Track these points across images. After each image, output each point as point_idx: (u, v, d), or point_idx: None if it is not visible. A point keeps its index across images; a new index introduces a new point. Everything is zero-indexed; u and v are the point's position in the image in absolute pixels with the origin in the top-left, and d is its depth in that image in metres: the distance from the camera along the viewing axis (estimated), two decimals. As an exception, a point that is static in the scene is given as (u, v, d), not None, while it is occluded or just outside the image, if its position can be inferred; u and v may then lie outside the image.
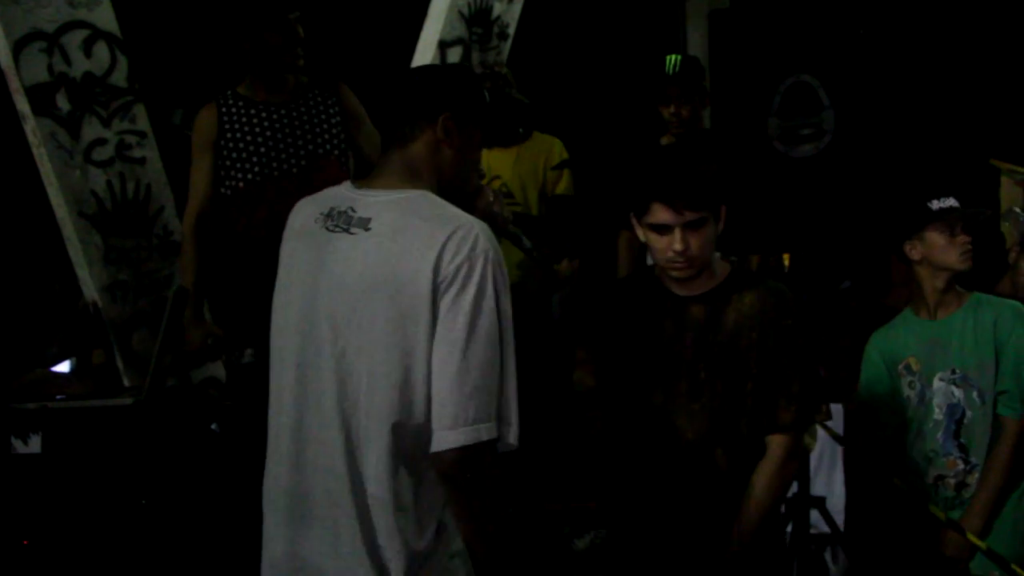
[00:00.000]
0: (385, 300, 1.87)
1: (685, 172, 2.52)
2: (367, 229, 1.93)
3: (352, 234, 1.95)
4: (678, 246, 2.49)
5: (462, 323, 1.84)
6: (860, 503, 3.86)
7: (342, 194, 2.04)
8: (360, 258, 1.92)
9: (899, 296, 3.58)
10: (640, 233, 2.60)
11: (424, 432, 1.89)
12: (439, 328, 1.85)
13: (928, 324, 3.24)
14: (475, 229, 1.89)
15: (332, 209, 2.01)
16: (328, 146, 3.67)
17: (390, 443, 1.88)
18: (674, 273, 2.58)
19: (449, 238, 1.86)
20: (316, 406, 1.95)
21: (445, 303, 1.85)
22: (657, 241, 2.54)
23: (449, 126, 2.00)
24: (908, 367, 3.27)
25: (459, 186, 2.07)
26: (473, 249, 1.86)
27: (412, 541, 1.91)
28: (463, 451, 1.85)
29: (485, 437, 1.85)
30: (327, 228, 1.99)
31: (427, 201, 1.95)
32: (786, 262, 3.92)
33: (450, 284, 1.84)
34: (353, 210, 1.97)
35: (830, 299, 4.24)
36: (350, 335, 1.91)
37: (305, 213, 2.08)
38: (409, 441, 1.90)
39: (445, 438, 1.85)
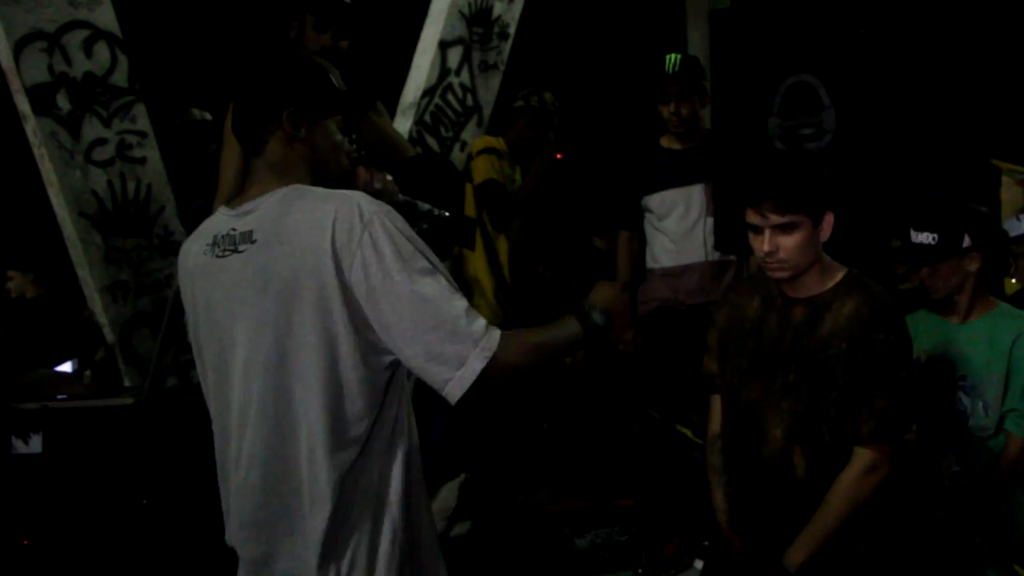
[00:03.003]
0: (293, 301, 1.86)
1: (771, 177, 2.56)
2: (252, 241, 1.92)
3: (241, 252, 1.94)
4: (766, 247, 2.56)
5: (399, 287, 1.82)
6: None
7: (220, 220, 2.03)
8: (255, 271, 1.91)
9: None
10: (749, 236, 2.64)
11: (359, 418, 1.89)
12: (380, 303, 1.83)
13: (947, 325, 3.22)
14: (353, 199, 1.87)
15: (215, 237, 2.00)
16: (355, 145, 3.68)
17: (331, 439, 1.88)
18: (769, 273, 2.64)
19: (335, 220, 1.84)
20: (270, 428, 1.93)
21: (362, 283, 1.83)
22: (753, 240, 2.61)
23: (295, 120, 2.01)
24: (916, 360, 3.25)
25: (327, 173, 2.05)
26: (362, 217, 1.84)
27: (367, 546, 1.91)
28: (481, 379, 1.83)
29: (490, 352, 1.83)
30: (216, 256, 1.98)
31: (298, 193, 1.94)
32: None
33: (361, 264, 1.83)
34: (234, 229, 1.96)
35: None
36: (274, 348, 1.90)
37: (193, 252, 2.06)
38: (349, 432, 1.90)
39: (463, 378, 1.83)
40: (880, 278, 4.23)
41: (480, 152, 4.62)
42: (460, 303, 1.85)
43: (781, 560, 2.60)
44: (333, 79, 2.12)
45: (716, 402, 2.88)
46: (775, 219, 2.53)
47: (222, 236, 1.98)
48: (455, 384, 1.84)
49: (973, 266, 3.09)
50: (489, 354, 1.83)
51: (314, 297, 1.85)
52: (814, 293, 2.65)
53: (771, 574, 2.62)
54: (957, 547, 3.14)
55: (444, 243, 2.79)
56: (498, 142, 4.67)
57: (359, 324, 1.86)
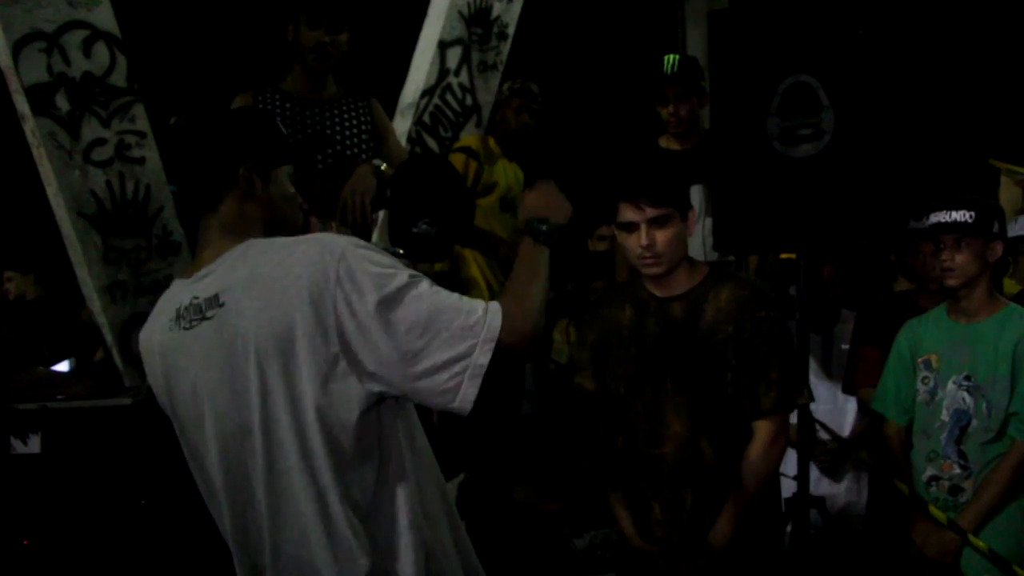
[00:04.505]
0: (277, 358, 1.77)
1: (643, 171, 2.70)
2: (220, 305, 1.83)
3: (210, 318, 1.84)
4: (644, 241, 2.66)
5: (389, 313, 1.74)
6: (876, 501, 3.86)
7: (177, 293, 1.94)
8: (232, 333, 1.81)
9: (930, 299, 3.56)
10: (618, 237, 2.76)
11: (363, 463, 1.81)
12: (374, 337, 1.74)
13: (956, 325, 3.22)
14: (317, 239, 1.81)
15: (178, 310, 1.90)
16: (355, 150, 3.70)
17: (337, 488, 1.80)
18: (645, 271, 2.74)
19: (307, 264, 1.76)
20: (261, 497, 1.86)
21: (349, 319, 1.74)
22: (627, 240, 2.71)
23: (251, 177, 1.93)
24: (928, 363, 3.26)
25: (283, 226, 1.97)
26: (332, 253, 1.76)
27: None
28: (500, 343, 1.77)
29: (483, 360, 1.77)
30: (184, 329, 1.88)
31: (259, 247, 1.86)
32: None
33: (342, 296, 1.74)
34: (196, 297, 1.87)
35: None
36: (260, 411, 1.80)
37: (155, 333, 1.96)
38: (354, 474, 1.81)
39: (467, 396, 1.78)
40: (878, 283, 4.24)
41: (454, 150, 4.70)
42: (449, 299, 1.79)
43: (707, 545, 2.72)
44: (280, 127, 2.05)
45: (593, 420, 2.94)
46: (652, 212, 2.65)
47: (185, 307, 1.89)
48: (466, 389, 1.77)
49: (994, 256, 3.13)
50: (492, 345, 1.77)
51: (301, 350, 1.76)
52: (687, 288, 2.78)
53: (703, 562, 2.72)
54: (957, 547, 3.15)
55: (430, 255, 2.84)
56: (476, 142, 4.70)
57: (356, 364, 1.77)
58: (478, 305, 1.80)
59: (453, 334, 1.76)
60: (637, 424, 2.80)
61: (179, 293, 1.93)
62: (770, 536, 2.92)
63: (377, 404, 1.82)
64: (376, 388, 1.79)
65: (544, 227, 1.99)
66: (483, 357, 1.77)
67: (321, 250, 1.77)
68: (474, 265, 4.62)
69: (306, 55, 3.61)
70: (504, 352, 1.78)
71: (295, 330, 1.76)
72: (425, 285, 1.79)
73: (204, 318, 1.86)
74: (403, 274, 1.78)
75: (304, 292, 1.75)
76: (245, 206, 1.93)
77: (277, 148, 2.00)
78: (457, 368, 1.76)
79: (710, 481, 2.75)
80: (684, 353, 2.74)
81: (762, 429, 2.73)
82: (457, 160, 4.61)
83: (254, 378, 1.80)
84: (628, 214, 2.69)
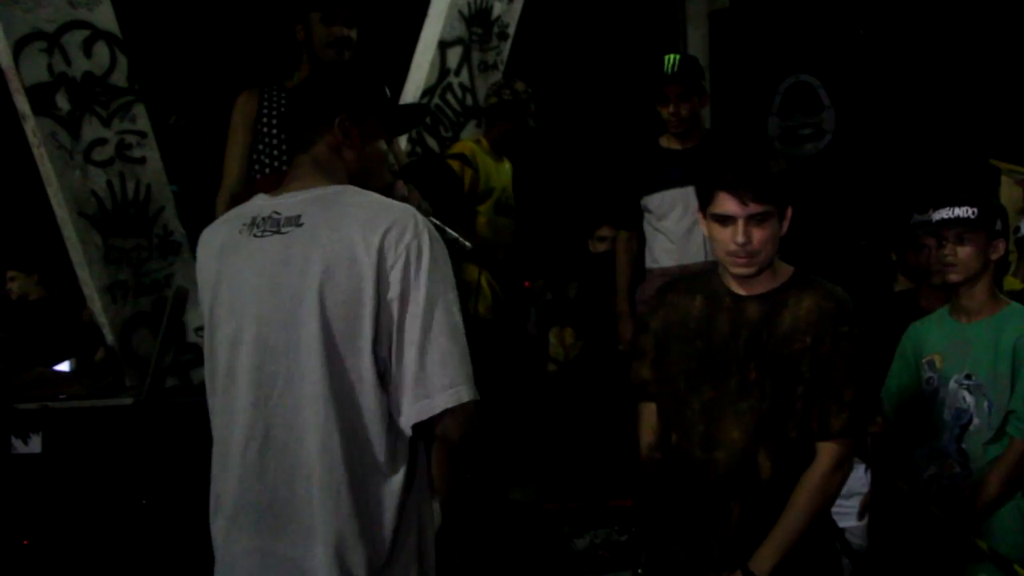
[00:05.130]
0: (329, 288, 1.88)
1: (753, 164, 2.47)
2: (299, 225, 1.94)
3: (284, 233, 1.95)
4: (740, 238, 2.45)
5: (423, 297, 1.87)
6: (879, 501, 3.85)
7: (259, 204, 2.04)
8: (300, 252, 1.92)
9: (932, 297, 3.56)
10: (703, 226, 2.56)
11: (374, 421, 1.91)
12: (400, 307, 1.88)
13: (957, 325, 3.22)
14: (411, 210, 1.93)
15: (255, 218, 2.00)
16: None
17: (342, 434, 1.90)
18: (735, 269, 2.53)
19: (393, 223, 1.88)
20: (280, 413, 1.94)
21: (396, 284, 1.87)
22: (720, 232, 2.50)
23: (346, 127, 2.04)
24: (931, 363, 3.26)
25: (369, 181, 2.07)
26: (416, 228, 1.89)
27: (376, 547, 1.92)
28: (450, 413, 1.89)
29: (467, 398, 1.89)
30: (254, 236, 1.99)
31: (357, 193, 1.98)
32: None
33: (402, 266, 1.87)
34: (277, 212, 1.98)
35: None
36: (300, 332, 1.91)
37: (223, 232, 2.07)
38: (361, 435, 1.92)
39: (429, 405, 1.88)
40: (875, 282, 4.24)
41: (448, 156, 4.67)
42: (463, 344, 1.90)
43: (748, 568, 2.51)
44: (388, 93, 2.15)
45: (649, 412, 2.74)
46: (754, 208, 2.44)
47: (263, 218, 1.99)
48: (419, 408, 1.88)
49: (996, 254, 3.13)
50: (459, 401, 1.88)
51: (350, 288, 1.88)
52: (766, 290, 2.57)
53: None
54: (956, 547, 3.15)
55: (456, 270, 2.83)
56: (469, 148, 4.70)
57: (381, 324, 1.89)
58: (470, 374, 1.92)
59: (445, 363, 1.88)
60: (692, 424, 2.60)
61: (260, 204, 2.03)
62: (822, 551, 2.67)
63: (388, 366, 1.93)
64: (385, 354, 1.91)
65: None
66: (443, 401, 1.88)
67: (409, 218, 1.90)
68: (475, 268, 4.62)
69: (322, 51, 3.61)
70: (454, 418, 1.89)
71: (354, 267, 1.88)
72: (457, 316, 1.91)
73: (279, 232, 1.96)
74: (451, 291, 1.92)
75: (376, 240, 1.87)
76: (336, 154, 2.05)
77: (376, 105, 2.10)
78: (425, 389, 1.88)
79: (762, 498, 2.53)
80: (754, 357, 2.54)
81: (826, 451, 2.50)
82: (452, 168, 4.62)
83: (305, 295, 1.90)
84: (728, 206, 2.44)
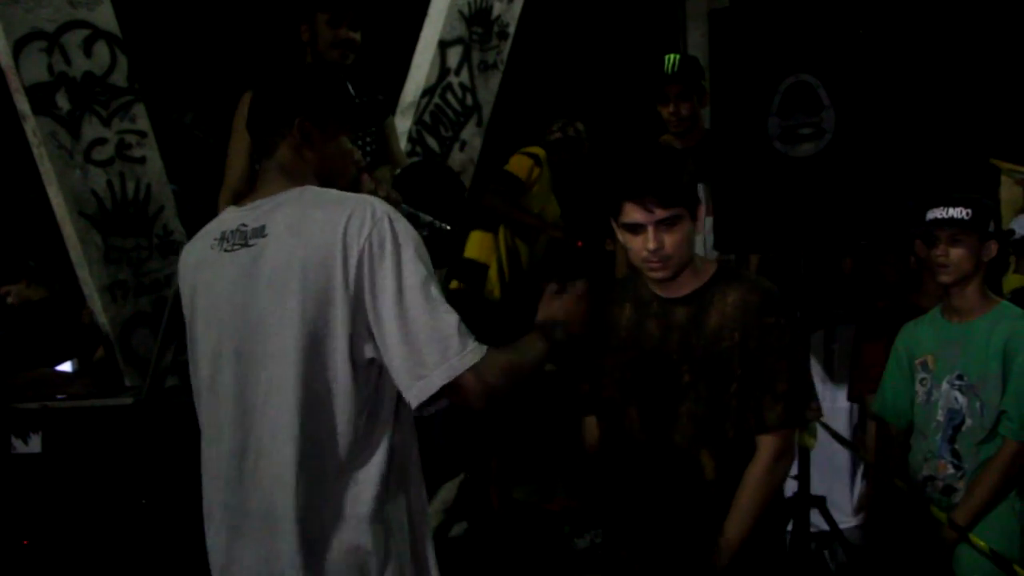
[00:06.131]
0: (298, 294, 1.90)
1: (653, 170, 2.46)
2: (264, 235, 1.97)
3: (251, 246, 1.98)
4: (651, 244, 2.44)
5: (392, 281, 1.88)
6: (874, 501, 3.86)
7: (228, 218, 2.07)
8: (266, 263, 1.95)
9: (930, 297, 3.56)
10: (619, 235, 2.54)
11: (341, 423, 1.92)
12: (373, 298, 1.89)
13: (949, 325, 3.23)
14: (368, 200, 1.95)
15: (224, 233, 2.04)
16: (366, 149, 3.70)
17: (303, 439, 1.91)
18: (650, 274, 2.52)
19: (350, 217, 1.90)
20: (259, 422, 1.96)
21: (366, 276, 1.89)
22: (632, 241, 2.49)
23: (306, 128, 2.05)
24: (924, 364, 3.26)
25: (334, 179, 2.10)
26: (374, 217, 1.90)
27: (359, 553, 1.93)
28: (458, 385, 1.89)
29: (466, 365, 1.89)
30: (224, 251, 2.02)
31: (313, 193, 2.00)
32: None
33: (367, 257, 1.88)
34: (244, 225, 2.01)
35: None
36: (275, 342, 1.93)
37: (197, 249, 2.11)
38: (333, 437, 1.93)
39: (428, 384, 1.88)
40: (870, 286, 4.24)
41: (523, 152, 4.80)
42: (448, 317, 1.90)
43: (703, 565, 2.51)
44: (350, 90, 2.16)
45: (591, 424, 2.77)
46: (661, 213, 2.42)
47: (231, 232, 2.02)
48: (417, 390, 1.89)
49: (988, 255, 3.13)
50: (455, 373, 1.88)
51: (318, 290, 1.89)
52: (692, 289, 2.56)
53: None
54: (953, 546, 3.15)
55: (440, 254, 2.81)
56: (543, 153, 4.83)
57: (356, 321, 1.90)
58: (468, 340, 1.91)
59: (431, 340, 1.88)
60: (633, 433, 2.61)
61: (230, 218, 2.06)
62: (770, 538, 2.78)
63: (371, 363, 1.94)
64: (374, 352, 1.92)
65: (557, 331, 2.14)
66: (439, 378, 1.88)
67: (365, 208, 1.91)
68: (490, 247, 4.70)
69: (327, 53, 3.61)
70: (457, 386, 1.89)
71: (321, 272, 1.89)
72: (434, 290, 1.91)
73: (246, 244, 1.99)
74: (421, 267, 1.91)
75: (338, 239, 1.88)
76: (298, 155, 2.07)
77: (334, 104, 2.12)
78: (419, 370, 1.88)
79: (709, 498, 2.54)
80: (686, 360, 2.54)
81: (766, 445, 2.50)
82: (524, 162, 4.75)
83: (275, 307, 1.93)
84: (635, 215, 2.44)
